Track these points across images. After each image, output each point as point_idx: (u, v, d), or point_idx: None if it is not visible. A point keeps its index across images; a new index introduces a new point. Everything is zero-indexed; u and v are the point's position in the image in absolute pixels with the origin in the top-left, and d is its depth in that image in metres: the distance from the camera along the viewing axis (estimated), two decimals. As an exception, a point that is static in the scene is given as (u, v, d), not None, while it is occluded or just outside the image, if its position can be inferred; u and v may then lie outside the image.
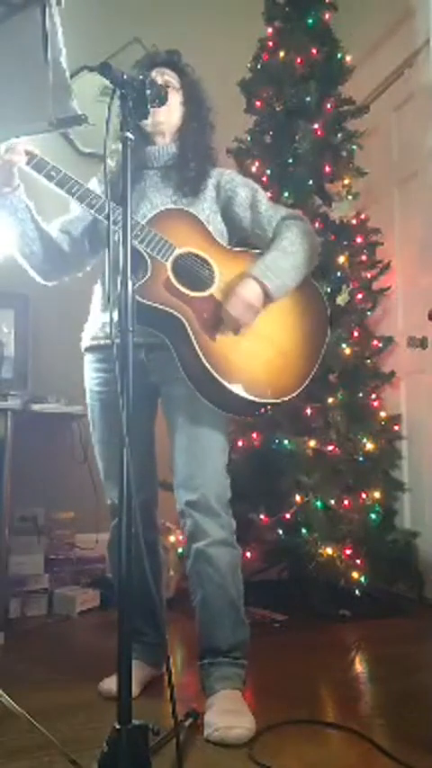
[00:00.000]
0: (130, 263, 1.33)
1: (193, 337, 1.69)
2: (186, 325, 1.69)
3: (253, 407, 1.77)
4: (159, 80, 1.85)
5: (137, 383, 1.73)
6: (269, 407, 1.80)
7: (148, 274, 1.70)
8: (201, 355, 1.68)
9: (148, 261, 1.70)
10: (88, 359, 1.92)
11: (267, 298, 1.76)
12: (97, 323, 1.88)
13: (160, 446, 1.97)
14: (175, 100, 1.86)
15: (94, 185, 1.89)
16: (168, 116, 1.86)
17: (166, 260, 1.72)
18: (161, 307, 1.69)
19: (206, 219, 1.82)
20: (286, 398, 1.78)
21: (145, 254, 1.70)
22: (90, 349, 1.90)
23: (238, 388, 1.69)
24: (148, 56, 1.94)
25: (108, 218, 1.40)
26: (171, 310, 1.69)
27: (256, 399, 1.72)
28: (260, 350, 1.78)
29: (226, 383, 1.68)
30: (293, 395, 1.79)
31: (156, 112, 1.80)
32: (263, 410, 1.81)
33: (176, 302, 1.71)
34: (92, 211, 1.71)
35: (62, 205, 1.91)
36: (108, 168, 1.73)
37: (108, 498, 1.91)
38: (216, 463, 1.78)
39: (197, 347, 1.68)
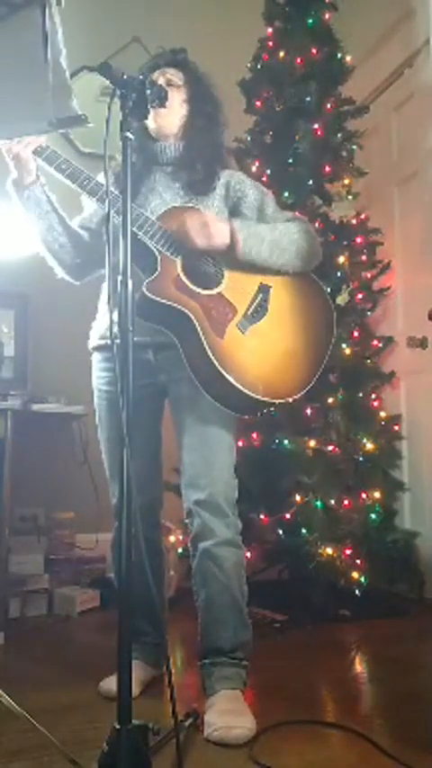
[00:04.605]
0: (133, 260, 1.33)
1: (201, 335, 1.69)
2: (195, 322, 1.69)
3: (259, 406, 1.77)
4: (161, 80, 1.85)
5: (144, 383, 1.74)
6: (275, 406, 1.80)
7: (158, 271, 1.70)
8: (209, 353, 1.68)
9: (158, 257, 1.71)
10: (96, 358, 1.92)
11: (234, 246, 1.73)
12: (105, 322, 1.88)
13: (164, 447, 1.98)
14: (176, 99, 1.85)
15: (102, 179, 1.88)
16: (169, 117, 1.85)
17: (176, 257, 1.72)
18: (171, 303, 1.69)
19: None
20: (293, 397, 1.78)
21: (155, 250, 1.70)
22: (98, 348, 1.91)
23: (245, 387, 1.69)
24: (152, 58, 1.93)
25: (108, 217, 1.39)
26: (180, 307, 1.69)
27: (263, 398, 1.72)
28: (267, 349, 1.77)
29: (234, 381, 1.68)
30: (300, 394, 1.79)
31: (155, 115, 1.80)
32: (269, 409, 1.81)
33: (186, 299, 1.70)
34: (103, 206, 1.72)
35: (77, 206, 1.92)
36: (115, 163, 1.73)
37: (113, 497, 1.90)
38: (224, 463, 1.78)
39: (205, 345, 1.68)
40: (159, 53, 1.93)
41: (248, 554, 2.46)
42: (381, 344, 3.03)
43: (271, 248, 1.78)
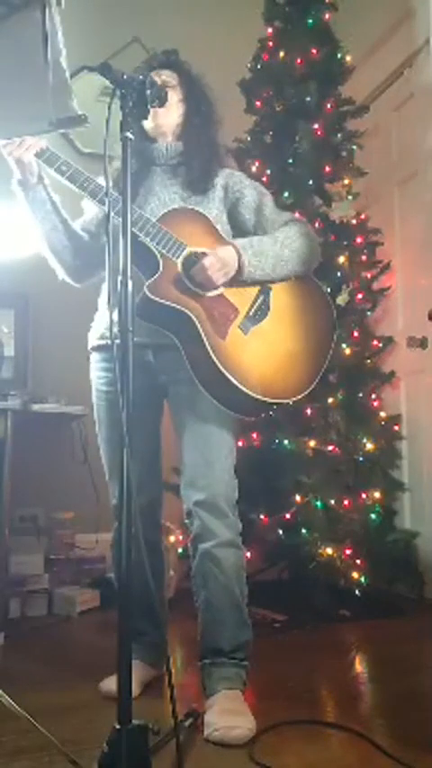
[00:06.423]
0: (133, 262, 1.33)
1: (203, 336, 1.69)
2: (197, 323, 1.69)
3: (262, 407, 1.77)
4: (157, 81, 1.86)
5: (144, 384, 1.74)
6: (276, 407, 1.80)
7: (159, 272, 1.70)
8: (212, 354, 1.68)
9: (159, 259, 1.71)
10: (95, 358, 1.92)
11: (239, 271, 1.75)
12: (104, 322, 1.88)
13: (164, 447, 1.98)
14: (172, 98, 1.86)
15: (102, 182, 1.89)
16: (167, 116, 1.86)
17: (177, 258, 1.72)
18: (172, 305, 1.69)
19: (214, 219, 1.82)
20: (295, 398, 1.78)
21: (156, 251, 1.70)
22: (97, 348, 1.90)
23: (248, 388, 1.69)
24: (145, 61, 1.95)
25: (108, 217, 1.40)
26: (182, 308, 1.69)
27: (266, 399, 1.72)
28: (269, 350, 1.78)
29: (237, 382, 1.68)
30: (302, 395, 1.79)
31: (154, 114, 1.81)
32: (270, 410, 1.81)
33: (187, 300, 1.70)
34: (103, 207, 1.72)
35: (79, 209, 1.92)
36: (116, 164, 1.73)
37: (113, 498, 1.90)
38: (224, 463, 1.78)
39: (208, 346, 1.68)
40: (152, 55, 1.96)
41: (248, 554, 2.46)
42: (381, 344, 3.03)
43: (274, 264, 1.80)
